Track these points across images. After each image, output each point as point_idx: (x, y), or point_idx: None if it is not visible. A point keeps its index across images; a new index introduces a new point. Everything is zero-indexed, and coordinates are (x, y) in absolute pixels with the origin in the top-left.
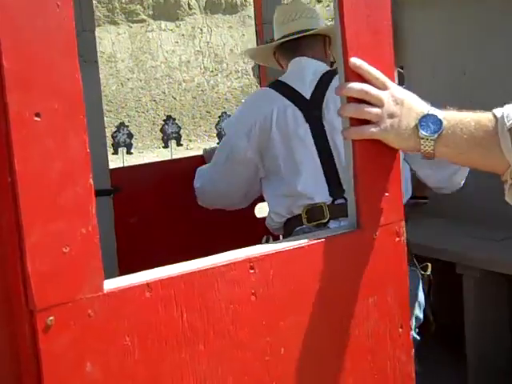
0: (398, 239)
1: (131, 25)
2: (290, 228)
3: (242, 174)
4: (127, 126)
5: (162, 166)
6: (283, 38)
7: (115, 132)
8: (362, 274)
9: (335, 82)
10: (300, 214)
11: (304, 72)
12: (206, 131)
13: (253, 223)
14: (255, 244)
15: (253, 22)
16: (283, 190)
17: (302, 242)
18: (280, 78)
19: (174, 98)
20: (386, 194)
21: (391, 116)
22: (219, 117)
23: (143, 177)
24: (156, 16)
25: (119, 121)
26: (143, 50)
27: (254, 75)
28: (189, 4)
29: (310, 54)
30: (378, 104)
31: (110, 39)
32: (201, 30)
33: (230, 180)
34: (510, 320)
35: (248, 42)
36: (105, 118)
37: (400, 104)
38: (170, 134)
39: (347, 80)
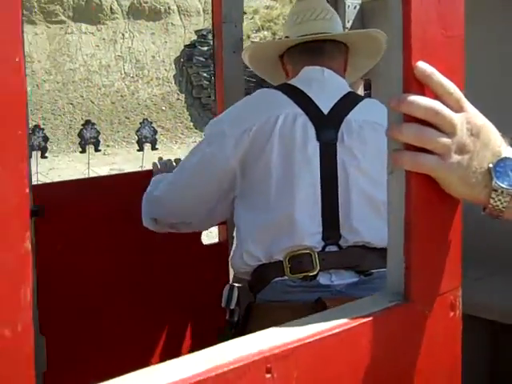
0: (452, 314)
1: (49, 25)
2: (265, 277)
3: (213, 185)
4: (43, 129)
5: (96, 182)
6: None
7: (29, 135)
8: (408, 362)
9: (363, 109)
10: (281, 261)
11: (324, 85)
12: (124, 137)
13: (200, 253)
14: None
15: (176, 30)
16: (267, 218)
17: (335, 326)
18: (291, 82)
19: (93, 103)
20: (444, 254)
21: (461, 150)
22: (140, 123)
23: (72, 195)
24: (76, 18)
25: (34, 123)
26: (61, 52)
27: (175, 83)
28: (111, 8)
29: (330, 65)
30: (449, 130)
31: (26, 39)
32: (122, 34)
33: (197, 190)
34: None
35: (170, 49)
36: None
37: (475, 135)
38: (89, 138)
39: (407, 91)
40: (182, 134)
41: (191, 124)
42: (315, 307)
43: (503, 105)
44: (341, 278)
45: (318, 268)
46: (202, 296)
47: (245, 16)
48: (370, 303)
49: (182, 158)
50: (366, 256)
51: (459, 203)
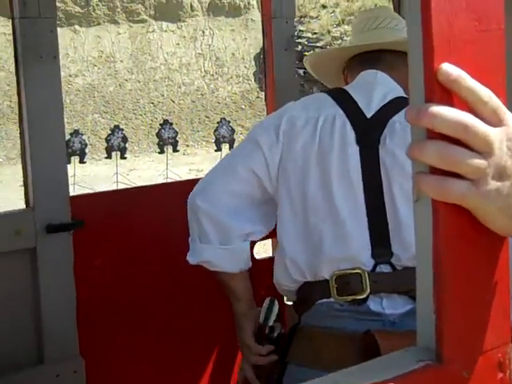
0: (501, 375)
1: (132, 25)
2: (310, 298)
3: (253, 180)
4: (122, 130)
5: (139, 192)
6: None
7: (109, 135)
8: None
9: None
10: (327, 280)
11: (374, 87)
12: (204, 137)
13: (252, 268)
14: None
15: (256, 26)
16: (308, 225)
17: None
18: (343, 87)
19: (173, 102)
20: (487, 301)
21: (501, 175)
22: (218, 123)
23: (115, 206)
24: (157, 16)
25: (115, 123)
26: (143, 51)
27: (255, 80)
28: (191, 5)
29: (390, 73)
30: (484, 150)
31: (109, 39)
32: (203, 32)
33: (243, 173)
34: None
35: (250, 46)
36: (101, 120)
37: None
38: (167, 139)
39: (429, 100)
40: None
41: None
42: (363, 340)
43: None
44: (393, 305)
45: (368, 291)
46: None
47: (325, 10)
48: (394, 362)
49: None
50: None
51: (505, 238)
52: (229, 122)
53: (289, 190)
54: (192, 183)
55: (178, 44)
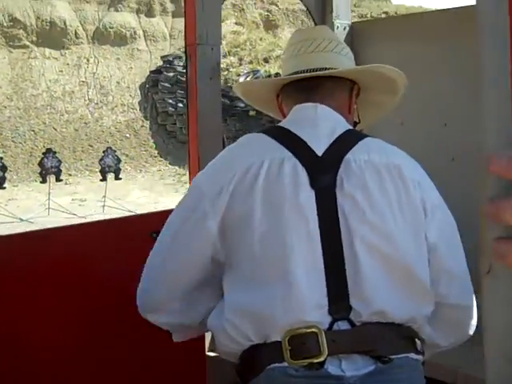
0: None
1: (12, 50)
2: (258, 363)
3: (195, 249)
4: (1, 158)
5: (44, 234)
6: (294, 74)
7: None
8: None
9: (364, 147)
10: (279, 342)
11: (317, 123)
12: (87, 165)
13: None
14: None
15: (141, 56)
16: (257, 286)
17: None
18: (280, 124)
19: (55, 130)
20: None
21: None
22: (103, 152)
23: (13, 254)
24: (40, 43)
25: None
26: (24, 77)
27: (140, 109)
28: (76, 32)
29: (329, 103)
30: None
31: None
32: (87, 60)
33: (181, 254)
34: None
35: (135, 75)
36: None
37: None
38: (49, 168)
39: None
40: (147, 162)
41: (156, 152)
42: None
43: None
44: (354, 367)
45: (326, 353)
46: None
47: None
48: None
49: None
50: (383, 336)
51: None
52: (114, 151)
53: (234, 248)
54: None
55: (62, 71)
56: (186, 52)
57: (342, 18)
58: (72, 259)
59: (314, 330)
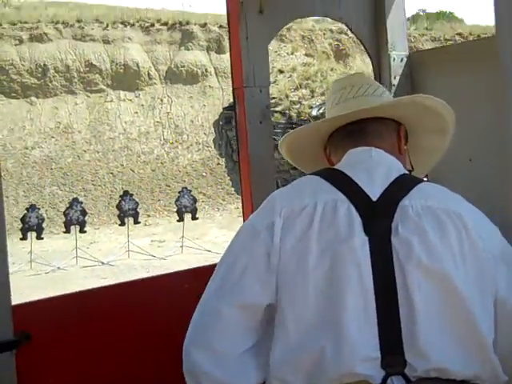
0: None
1: (89, 94)
2: None
3: (256, 292)
4: (81, 202)
5: (96, 295)
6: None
7: (67, 209)
8: None
9: (422, 192)
10: None
11: (372, 166)
12: (165, 206)
13: None
14: None
15: (213, 92)
16: (306, 336)
17: None
18: (334, 167)
19: (133, 171)
20: None
21: None
22: (179, 192)
23: (68, 313)
24: (115, 86)
25: (74, 195)
26: (101, 121)
27: (215, 147)
28: (148, 74)
29: (380, 145)
30: None
31: (66, 109)
32: (161, 100)
33: (239, 298)
34: None
35: (209, 113)
36: (59, 192)
37: None
38: (127, 210)
39: None
40: (224, 200)
41: (232, 189)
42: None
43: None
44: None
45: None
46: None
47: (282, 75)
48: None
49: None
50: None
51: None
52: (190, 191)
53: (282, 301)
54: (155, 280)
55: (137, 113)
56: (233, 95)
57: (399, 49)
58: (127, 314)
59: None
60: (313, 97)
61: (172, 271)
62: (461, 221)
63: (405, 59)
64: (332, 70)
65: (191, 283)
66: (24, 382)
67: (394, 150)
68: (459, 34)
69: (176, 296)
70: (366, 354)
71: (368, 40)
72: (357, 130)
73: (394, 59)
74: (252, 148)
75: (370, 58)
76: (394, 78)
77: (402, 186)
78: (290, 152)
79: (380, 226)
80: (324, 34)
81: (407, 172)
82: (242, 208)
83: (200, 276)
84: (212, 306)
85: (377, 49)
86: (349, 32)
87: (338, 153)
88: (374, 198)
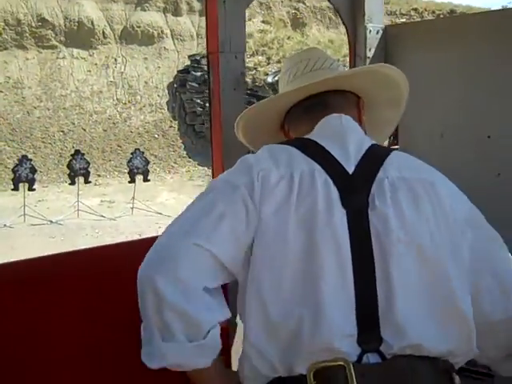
0: None
1: (41, 50)
2: None
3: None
4: (30, 160)
5: (67, 258)
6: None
7: (16, 166)
8: None
9: (392, 164)
10: (303, 376)
11: (345, 136)
12: (116, 166)
13: None
14: None
15: (169, 55)
16: (282, 308)
17: None
18: (306, 136)
19: (84, 130)
20: None
21: None
22: (132, 153)
23: (34, 279)
24: (68, 43)
25: (23, 152)
26: (53, 78)
27: (168, 109)
28: (103, 32)
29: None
30: None
31: (17, 64)
32: (115, 59)
33: (211, 247)
34: None
35: (163, 75)
36: (7, 148)
37: None
38: (78, 170)
39: None
40: (175, 163)
41: (184, 153)
42: None
43: None
44: None
45: None
46: None
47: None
48: None
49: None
50: (415, 370)
51: None
52: (143, 152)
53: (258, 270)
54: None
55: (90, 71)
56: (207, 60)
57: (375, 21)
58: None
59: (341, 363)
60: (269, 64)
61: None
62: (434, 190)
63: (381, 32)
64: (289, 38)
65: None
66: None
67: (355, 120)
68: (414, 9)
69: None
70: (343, 330)
71: (345, 11)
72: (317, 104)
73: (370, 31)
74: (225, 114)
75: (346, 29)
76: (369, 50)
77: (375, 158)
78: (246, 133)
79: (357, 199)
80: (282, 1)
81: (375, 142)
82: (212, 175)
83: None
84: (180, 240)
85: (353, 20)
86: (306, 1)
87: (298, 128)
88: (350, 171)
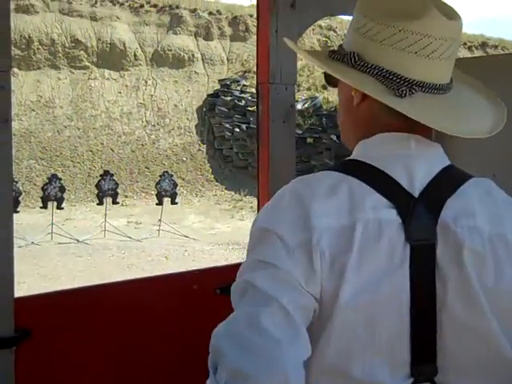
0: None
1: (73, 71)
2: None
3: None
4: (60, 179)
5: (100, 291)
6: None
7: (46, 184)
8: None
9: (468, 200)
10: None
11: (412, 162)
12: (143, 188)
13: None
14: None
15: (199, 79)
16: (335, 364)
17: None
18: (364, 159)
19: (113, 151)
20: None
21: None
22: (160, 176)
23: (72, 309)
24: (100, 64)
25: (52, 170)
26: (84, 98)
27: (197, 133)
28: (135, 54)
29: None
30: None
31: (49, 84)
32: (145, 82)
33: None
34: None
35: (193, 98)
36: (37, 166)
37: None
38: (106, 190)
39: None
40: (203, 186)
41: (212, 176)
42: None
43: None
44: None
45: None
46: None
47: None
48: None
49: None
50: None
51: None
52: (171, 175)
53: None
54: (163, 279)
55: (120, 92)
56: (256, 90)
57: None
58: (133, 313)
59: None
60: (299, 91)
61: (178, 271)
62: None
63: None
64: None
65: (200, 283)
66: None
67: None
68: None
69: (182, 297)
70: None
71: None
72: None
73: None
74: (273, 150)
75: None
76: None
77: (445, 183)
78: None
79: (423, 225)
80: (313, 29)
81: (452, 164)
82: (258, 209)
83: (208, 278)
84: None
85: None
86: (337, 29)
87: (383, 114)
88: (416, 194)
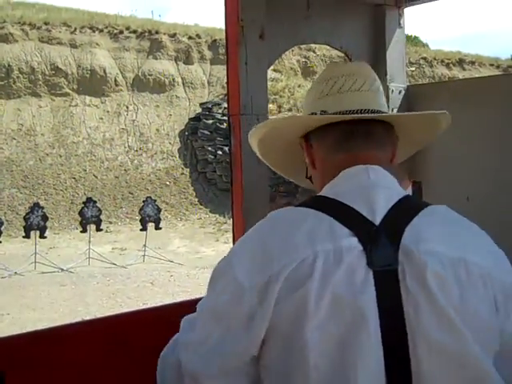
0: None
1: (54, 98)
2: None
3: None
4: (42, 208)
5: (73, 329)
6: (338, 114)
7: (28, 213)
8: None
9: (426, 228)
10: None
11: (371, 193)
12: (127, 213)
13: None
14: None
15: (180, 103)
16: None
17: None
18: (327, 194)
19: (96, 177)
20: None
21: None
22: (143, 201)
23: (44, 350)
24: (80, 90)
25: (35, 199)
26: (65, 125)
27: (179, 157)
28: (115, 80)
29: (379, 157)
30: None
31: (30, 111)
32: (127, 107)
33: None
34: None
35: (175, 123)
36: (19, 195)
37: None
38: (90, 217)
39: None
40: (187, 210)
41: (196, 200)
42: None
43: None
44: None
45: None
46: None
47: None
48: None
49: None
50: None
51: None
52: (155, 200)
53: (278, 363)
54: (131, 317)
55: (102, 118)
56: (228, 122)
57: (397, 81)
58: (120, 349)
59: None
60: (280, 112)
61: (164, 303)
62: (466, 268)
63: (403, 91)
64: (299, 86)
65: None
66: None
67: (388, 160)
68: (424, 58)
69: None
70: None
71: None
72: (361, 131)
73: (393, 91)
74: (246, 177)
75: None
76: (392, 110)
77: (403, 211)
78: (261, 144)
79: (385, 253)
80: (292, 50)
81: (407, 193)
82: (233, 241)
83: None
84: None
85: None
86: (316, 50)
87: (325, 152)
88: (377, 221)
